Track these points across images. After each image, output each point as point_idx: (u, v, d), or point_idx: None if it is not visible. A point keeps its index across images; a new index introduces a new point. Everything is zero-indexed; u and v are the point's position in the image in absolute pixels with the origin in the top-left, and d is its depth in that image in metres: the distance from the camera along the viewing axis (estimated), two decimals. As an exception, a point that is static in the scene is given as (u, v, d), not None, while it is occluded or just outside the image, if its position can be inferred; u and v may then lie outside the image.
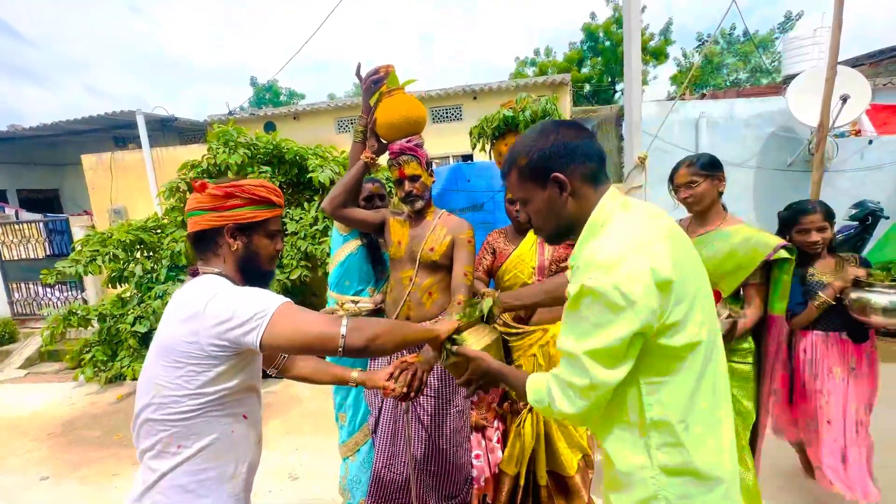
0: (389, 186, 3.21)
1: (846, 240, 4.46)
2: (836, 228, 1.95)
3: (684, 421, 0.85)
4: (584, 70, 18.39)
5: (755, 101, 5.53)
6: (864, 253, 4.35)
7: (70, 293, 6.53)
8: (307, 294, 5.30)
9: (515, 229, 2.09)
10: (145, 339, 4.30)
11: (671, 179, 1.85)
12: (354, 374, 1.48)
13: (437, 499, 1.90)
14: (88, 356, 4.39)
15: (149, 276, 4.12)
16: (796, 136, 5.28)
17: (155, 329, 4.03)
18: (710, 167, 1.73)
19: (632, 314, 0.79)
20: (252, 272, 1.12)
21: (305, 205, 4.29)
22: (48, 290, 6.49)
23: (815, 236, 1.92)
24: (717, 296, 1.70)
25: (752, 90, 8.42)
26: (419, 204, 1.85)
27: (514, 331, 2.00)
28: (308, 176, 4.14)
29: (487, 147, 2.09)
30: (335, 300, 2.06)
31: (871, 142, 5.27)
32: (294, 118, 8.57)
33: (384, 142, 1.84)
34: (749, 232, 1.70)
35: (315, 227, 4.03)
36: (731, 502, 0.88)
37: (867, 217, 4.42)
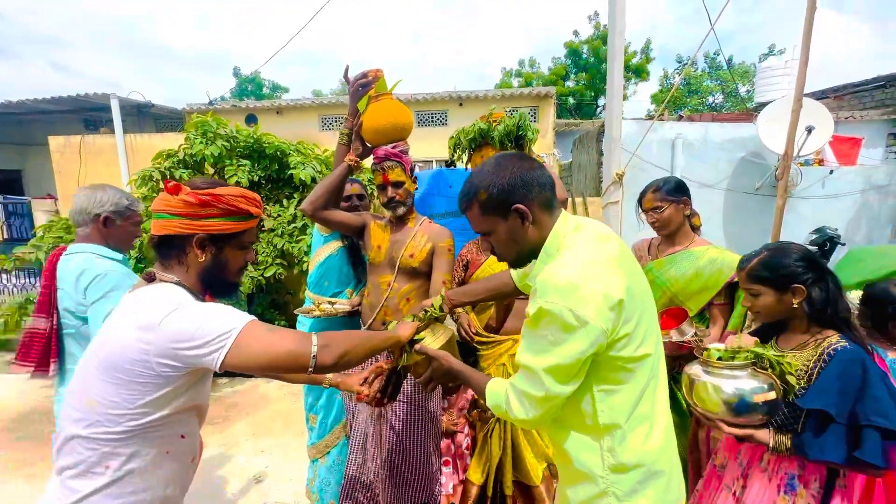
0: (371, 189, 3.21)
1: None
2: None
3: (630, 423, 0.95)
4: (569, 84, 18.79)
5: (728, 126, 5.76)
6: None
7: (28, 280, 6.22)
8: (281, 292, 5.20)
9: None
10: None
11: (639, 202, 1.92)
12: (329, 375, 1.47)
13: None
14: (44, 347, 4.18)
15: (115, 266, 3.97)
16: (765, 161, 5.52)
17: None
18: (676, 192, 1.79)
19: (584, 334, 0.87)
20: (216, 284, 1.06)
21: (284, 202, 4.22)
22: (4, 276, 6.17)
23: None
24: (684, 314, 1.77)
25: (726, 115, 8.78)
26: (401, 210, 1.86)
27: (484, 340, 2.03)
28: (289, 172, 4.07)
29: (465, 157, 2.12)
30: (312, 300, 2.04)
31: (832, 171, 5.57)
32: (277, 112, 8.44)
33: (369, 146, 1.84)
34: (715, 253, 1.77)
35: (293, 225, 3.97)
36: (673, 492, 1.00)
37: (825, 243, 4.67)
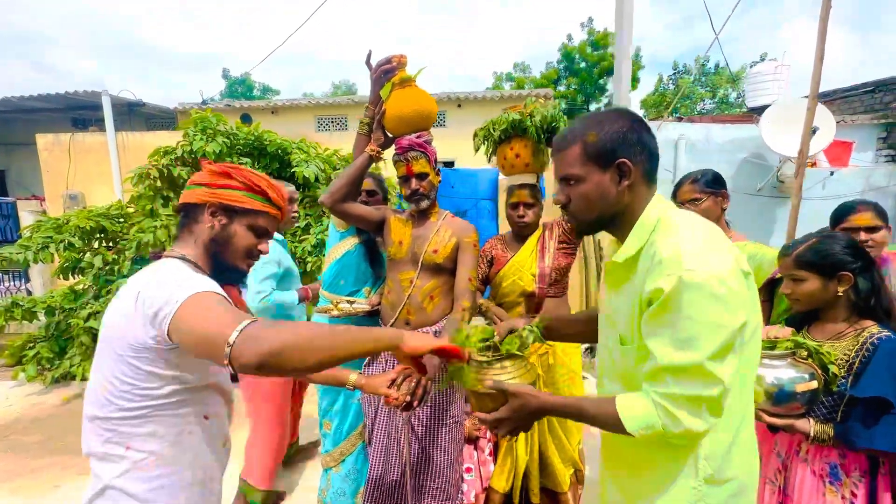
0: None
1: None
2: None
3: (734, 428, 0.85)
4: (560, 88, 18.92)
5: (730, 128, 5.80)
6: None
7: (12, 283, 5.99)
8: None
9: (515, 235, 2.04)
10: (99, 336, 3.96)
11: (674, 196, 1.85)
12: (353, 376, 1.38)
13: None
14: (32, 353, 3.99)
15: (109, 268, 3.81)
16: (766, 163, 5.56)
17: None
18: (714, 184, 1.74)
19: (737, 304, 0.77)
20: (220, 261, 1.03)
21: (285, 201, 4.12)
22: (-13, 278, 5.93)
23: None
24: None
25: (725, 117, 8.87)
26: (425, 203, 1.77)
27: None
28: (291, 171, 3.96)
29: (490, 151, 2.04)
30: (328, 300, 1.94)
31: (832, 173, 5.63)
32: (272, 112, 8.31)
33: (391, 136, 1.76)
34: (753, 249, 1.71)
35: (296, 224, 3.86)
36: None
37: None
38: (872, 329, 1.20)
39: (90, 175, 6.41)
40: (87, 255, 3.90)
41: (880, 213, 1.65)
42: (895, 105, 7.79)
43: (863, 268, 1.23)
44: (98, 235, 3.88)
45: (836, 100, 9.29)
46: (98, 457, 0.92)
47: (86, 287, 4.02)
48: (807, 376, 1.14)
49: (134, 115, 8.99)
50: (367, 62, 1.71)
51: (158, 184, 3.76)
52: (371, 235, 2.00)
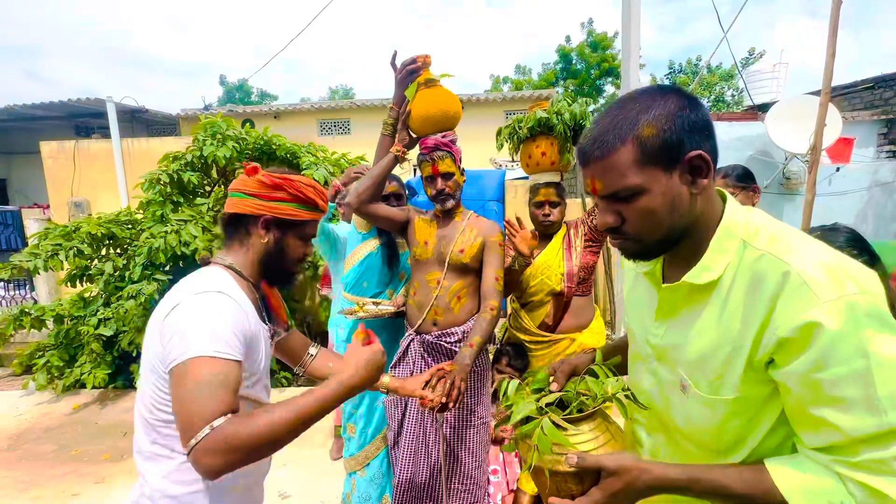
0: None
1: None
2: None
3: None
4: (558, 90, 18.99)
5: (736, 125, 5.82)
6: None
7: (17, 292, 5.95)
8: (287, 299, 5.05)
9: (540, 234, 2.03)
10: (110, 344, 3.93)
11: None
12: (386, 378, 1.36)
13: None
14: (41, 361, 3.96)
15: (118, 274, 3.78)
16: (772, 160, 5.57)
17: (123, 333, 3.71)
18: (745, 178, 1.73)
19: None
20: (275, 269, 1.07)
21: (295, 205, 4.11)
22: (-7, 287, 5.89)
23: None
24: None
25: (731, 115, 8.90)
26: (450, 203, 1.76)
27: (539, 339, 1.94)
28: (300, 174, 3.96)
29: (514, 150, 2.04)
30: (353, 302, 1.92)
31: (838, 169, 5.64)
32: (275, 117, 8.31)
33: (415, 136, 1.75)
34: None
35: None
36: None
37: (838, 239, 4.69)
38: None
39: (95, 182, 6.39)
40: (97, 262, 3.87)
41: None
42: (895, 101, 7.82)
43: (869, 262, 1.13)
44: (107, 242, 3.86)
45: (837, 96, 9.32)
46: (145, 456, 0.93)
47: (95, 294, 3.99)
48: None
49: (136, 122, 8.98)
50: (392, 62, 1.71)
51: (168, 189, 3.74)
52: (391, 237, 1.99)
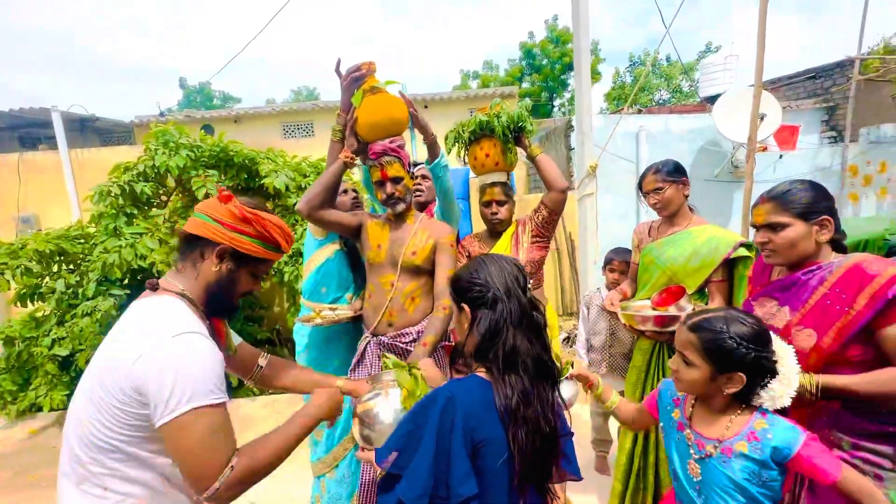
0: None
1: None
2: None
3: None
4: (525, 85, 19.22)
5: (686, 118, 6.06)
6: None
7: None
8: (254, 307, 4.97)
9: (489, 233, 2.10)
10: (66, 364, 3.79)
11: (640, 186, 1.95)
12: (340, 382, 1.40)
13: None
14: (-8, 387, 3.79)
15: (72, 291, 3.65)
16: (721, 149, 5.85)
17: (79, 351, 3.58)
18: (675, 172, 1.84)
19: None
20: (218, 300, 1.05)
21: (256, 211, 4.05)
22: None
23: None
24: (682, 291, 1.81)
25: (682, 108, 9.24)
26: (401, 207, 1.81)
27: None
28: (260, 181, 3.90)
29: (462, 153, 2.09)
30: (310, 309, 1.94)
31: (781, 156, 5.97)
32: (235, 121, 8.11)
33: (363, 142, 1.78)
34: (713, 232, 1.82)
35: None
36: None
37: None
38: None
39: (43, 195, 6.09)
40: (48, 279, 3.72)
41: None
42: (835, 90, 8.31)
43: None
44: (58, 258, 3.71)
45: (782, 86, 9.82)
46: (77, 495, 0.91)
47: (47, 313, 3.83)
48: None
49: (87, 130, 8.59)
50: (337, 70, 1.73)
51: (121, 201, 3.63)
52: (350, 241, 2.01)
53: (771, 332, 1.09)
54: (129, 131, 8.77)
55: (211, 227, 0.99)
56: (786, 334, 1.23)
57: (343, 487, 1.98)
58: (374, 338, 1.81)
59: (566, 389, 1.32)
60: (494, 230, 2.06)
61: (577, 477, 1.07)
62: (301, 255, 3.08)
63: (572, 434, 1.10)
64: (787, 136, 6.89)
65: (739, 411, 1.07)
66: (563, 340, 4.82)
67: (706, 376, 1.05)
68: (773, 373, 1.04)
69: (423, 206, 2.26)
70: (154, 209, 3.93)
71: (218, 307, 1.05)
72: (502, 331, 0.98)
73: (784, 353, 1.09)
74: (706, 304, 1.86)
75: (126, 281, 3.70)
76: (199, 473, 0.86)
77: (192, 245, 1.02)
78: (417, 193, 2.21)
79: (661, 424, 1.25)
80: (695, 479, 1.10)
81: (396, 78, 1.77)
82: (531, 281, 2.00)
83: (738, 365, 1.01)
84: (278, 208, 4.00)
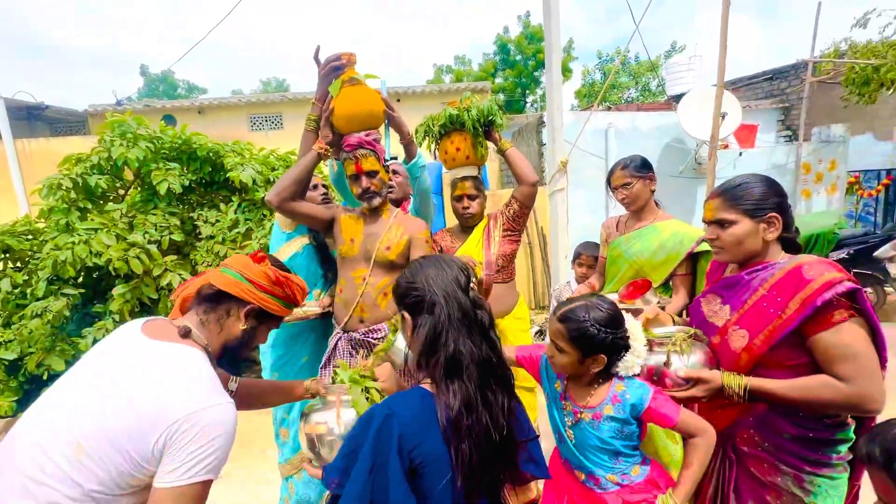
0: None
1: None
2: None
3: None
4: (498, 81, 19.30)
5: (653, 115, 6.24)
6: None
7: None
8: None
9: (461, 227, 2.10)
10: (14, 368, 3.56)
11: (608, 181, 1.99)
12: (306, 383, 1.38)
13: None
14: (-69, 394, 3.51)
15: (19, 290, 3.42)
16: (685, 147, 6.05)
17: (29, 355, 3.37)
18: (642, 168, 1.89)
19: None
20: (234, 355, 1.09)
21: (222, 206, 3.90)
22: None
23: None
24: (648, 285, 1.86)
25: (649, 106, 9.50)
26: (377, 201, 1.78)
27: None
28: (225, 175, 3.76)
29: (433, 146, 2.08)
30: None
31: (741, 154, 6.23)
32: (199, 112, 7.79)
33: (339, 133, 1.75)
34: (678, 227, 1.88)
35: (236, 230, 3.66)
36: None
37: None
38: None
39: (-13, 189, 5.69)
40: (-8, 278, 3.48)
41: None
42: (790, 91, 8.72)
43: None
44: (3, 256, 3.48)
45: (742, 87, 10.24)
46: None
47: (-8, 315, 3.59)
48: None
49: (35, 120, 8.05)
50: (315, 57, 1.69)
51: (73, 195, 3.42)
52: (321, 236, 1.97)
53: (624, 313, 1.21)
54: (82, 121, 8.28)
55: (244, 287, 1.02)
56: (723, 333, 1.23)
57: (311, 489, 1.95)
58: (345, 333, 1.78)
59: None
60: (466, 224, 2.06)
61: (546, 477, 1.09)
62: (266, 250, 2.99)
63: (537, 437, 1.09)
64: (746, 135, 7.20)
65: (601, 380, 1.22)
66: (536, 334, 4.90)
67: (575, 360, 1.17)
68: (627, 348, 1.18)
69: (396, 203, 2.24)
70: (110, 203, 3.73)
71: (231, 361, 1.09)
72: (441, 335, 0.92)
73: (634, 329, 1.22)
74: (671, 296, 1.92)
75: (80, 280, 3.50)
76: None
77: (217, 302, 1.03)
78: (388, 190, 2.19)
79: (547, 392, 1.36)
80: (571, 442, 1.25)
81: (372, 72, 1.74)
82: (502, 274, 2.03)
83: (599, 348, 1.14)
84: (245, 203, 3.86)
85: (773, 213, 1.16)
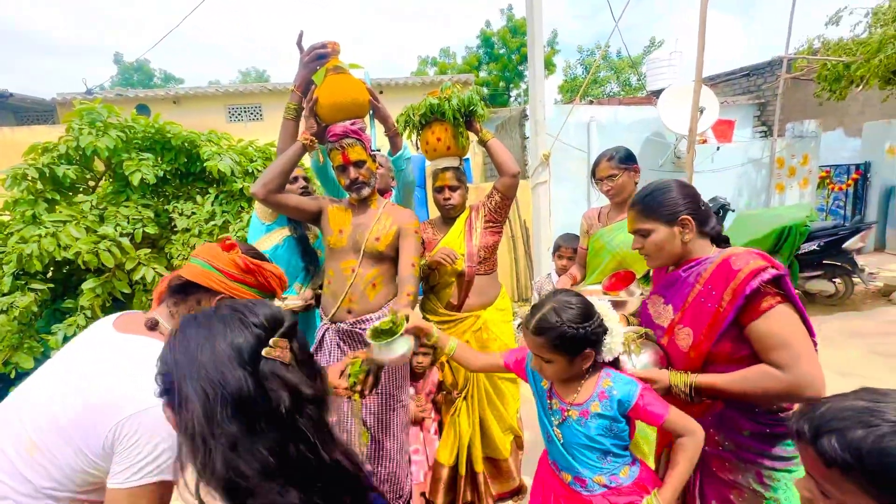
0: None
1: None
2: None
3: None
4: (482, 74, 19.26)
5: (634, 109, 6.31)
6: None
7: None
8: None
9: (443, 218, 2.08)
10: (-22, 366, 3.41)
11: (593, 173, 1.99)
12: None
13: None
14: None
15: (-17, 286, 3.27)
16: (665, 141, 6.14)
17: (-6, 352, 3.23)
18: (627, 160, 1.90)
19: None
20: None
21: (198, 198, 3.79)
22: None
23: None
24: (632, 276, 1.88)
25: (630, 100, 9.61)
26: (366, 191, 1.76)
27: (446, 318, 2.00)
28: (201, 165, 3.65)
29: (414, 136, 2.05)
30: None
31: (718, 148, 6.36)
32: (174, 102, 7.56)
33: (323, 123, 1.72)
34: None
35: (213, 223, 3.57)
36: None
37: (719, 210, 5.34)
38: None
39: (-53, 180, 5.41)
40: (-47, 274, 3.32)
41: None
42: (766, 87, 8.93)
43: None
44: (-35, 250, 3.32)
45: (720, 83, 10.45)
46: None
47: (-46, 311, 3.42)
48: None
49: (0, 108, 7.70)
50: (299, 43, 1.65)
51: (39, 185, 3.27)
52: (302, 228, 1.93)
53: (589, 297, 1.19)
54: (50, 110, 7.95)
55: (213, 276, 0.99)
56: (670, 333, 1.24)
57: None
58: (333, 325, 1.76)
59: (400, 346, 1.31)
60: (448, 216, 2.04)
61: None
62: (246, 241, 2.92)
63: None
64: (724, 130, 7.35)
65: (587, 374, 1.19)
66: (518, 325, 4.94)
67: (564, 365, 1.14)
68: (605, 331, 1.16)
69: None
70: (80, 195, 3.58)
71: None
72: (201, 447, 0.59)
73: (605, 311, 1.19)
74: (651, 287, 1.94)
75: (49, 275, 3.37)
76: None
77: (186, 293, 1.00)
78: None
79: (534, 391, 1.32)
80: (559, 441, 1.21)
81: (354, 62, 1.72)
82: (484, 266, 2.03)
83: (584, 344, 1.12)
84: (222, 194, 3.77)
85: (685, 216, 1.17)
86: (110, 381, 0.84)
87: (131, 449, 0.79)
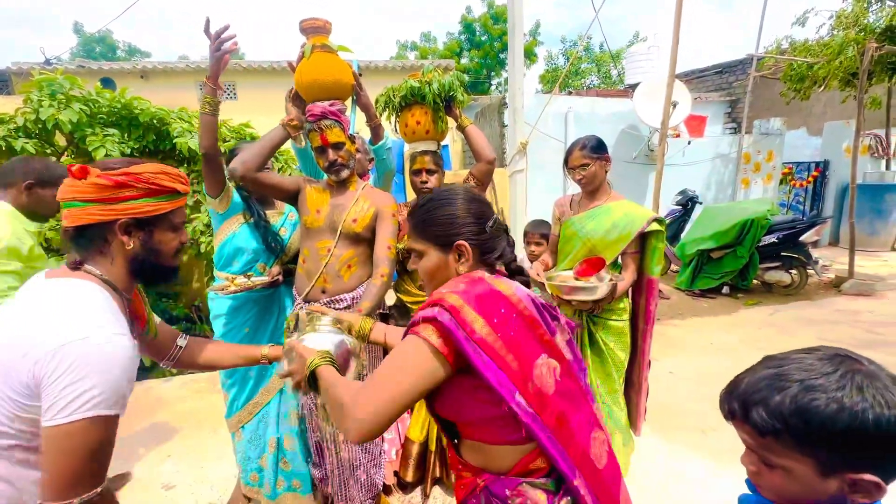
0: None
1: (673, 220, 5.53)
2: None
3: None
4: (464, 61, 19.11)
5: (610, 101, 6.42)
6: (685, 230, 5.50)
7: None
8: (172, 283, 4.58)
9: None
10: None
11: (566, 162, 2.04)
12: (265, 349, 1.34)
13: (359, 489, 1.86)
14: None
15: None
16: (639, 133, 6.28)
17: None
18: (599, 149, 1.95)
19: None
20: (151, 271, 0.98)
21: (168, 177, 3.68)
22: None
23: None
24: (602, 263, 1.96)
25: (607, 92, 9.75)
26: (345, 173, 1.76)
27: (420, 299, 2.03)
28: (171, 143, 3.53)
29: (392, 119, 2.05)
30: (223, 278, 1.85)
31: (689, 142, 6.55)
32: (141, 77, 7.23)
33: (302, 108, 1.71)
34: (629, 207, 1.97)
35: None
36: None
37: (688, 202, 5.54)
38: None
39: None
40: None
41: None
42: (736, 84, 9.21)
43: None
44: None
45: (694, 79, 10.71)
46: None
47: None
48: None
49: (-54, 75, 7.18)
50: (206, 31, 1.58)
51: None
52: (261, 215, 1.92)
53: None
54: (4, 80, 7.47)
55: (91, 209, 0.88)
56: None
57: (252, 448, 2.00)
58: (307, 304, 1.77)
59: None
60: (424, 200, 2.06)
61: None
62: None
63: None
64: (696, 125, 7.57)
65: None
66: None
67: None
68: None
69: None
70: (40, 171, 3.42)
71: (156, 275, 0.99)
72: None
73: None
74: (620, 272, 2.02)
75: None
76: (65, 484, 0.78)
77: (85, 237, 0.91)
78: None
79: None
80: None
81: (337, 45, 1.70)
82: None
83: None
84: (193, 174, 3.66)
85: (462, 242, 0.94)
86: (29, 319, 0.83)
87: (55, 385, 0.77)
